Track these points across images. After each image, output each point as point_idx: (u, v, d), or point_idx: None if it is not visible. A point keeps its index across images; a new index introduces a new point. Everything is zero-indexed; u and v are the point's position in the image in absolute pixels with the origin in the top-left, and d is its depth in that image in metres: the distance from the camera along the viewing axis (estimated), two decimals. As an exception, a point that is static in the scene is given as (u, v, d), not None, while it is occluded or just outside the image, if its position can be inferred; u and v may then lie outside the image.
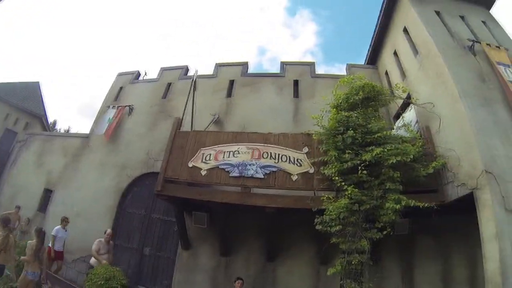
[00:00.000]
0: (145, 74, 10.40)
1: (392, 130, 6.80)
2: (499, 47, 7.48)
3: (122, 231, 8.51)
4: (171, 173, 6.59)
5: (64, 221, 7.56)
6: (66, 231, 7.58)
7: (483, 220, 5.30)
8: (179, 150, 6.68)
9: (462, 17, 8.05)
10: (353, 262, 5.46)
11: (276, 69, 10.11)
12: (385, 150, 5.50)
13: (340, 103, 6.23)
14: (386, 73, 9.23)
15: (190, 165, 6.44)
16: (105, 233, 7.05)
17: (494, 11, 8.93)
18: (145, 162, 8.56)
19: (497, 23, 8.61)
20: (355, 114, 5.86)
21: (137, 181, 8.66)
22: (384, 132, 5.75)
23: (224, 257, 7.24)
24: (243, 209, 6.17)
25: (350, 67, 9.72)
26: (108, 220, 8.52)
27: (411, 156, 5.67)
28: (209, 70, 9.96)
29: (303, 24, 65.31)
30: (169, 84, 9.91)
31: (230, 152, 6.18)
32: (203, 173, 6.25)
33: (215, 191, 6.33)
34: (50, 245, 7.20)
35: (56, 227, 7.41)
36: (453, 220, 6.67)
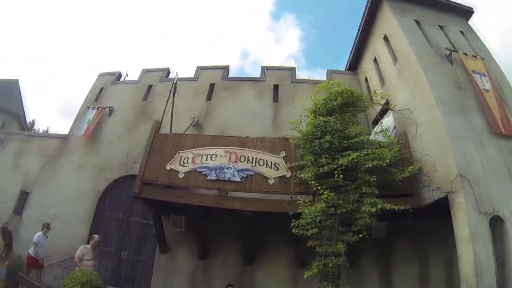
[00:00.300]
0: (127, 75, 10.29)
1: (371, 136, 6.92)
2: (475, 56, 7.72)
3: (100, 234, 8.31)
4: (149, 176, 6.55)
5: (46, 227, 7.20)
6: (47, 237, 7.21)
7: (457, 223, 5.45)
8: (158, 153, 6.64)
9: (441, 27, 8.27)
10: (329, 265, 5.50)
11: (257, 73, 10.19)
12: (362, 154, 5.59)
13: (319, 108, 6.32)
14: (366, 79, 9.40)
15: (168, 167, 6.42)
16: (92, 239, 6.71)
17: (472, 21, 9.24)
18: (125, 164, 8.44)
19: (475, 33, 8.89)
20: (333, 119, 5.95)
21: (115, 183, 8.52)
22: (361, 137, 5.84)
23: (202, 261, 7.21)
24: (220, 212, 6.17)
25: (330, 72, 9.86)
26: (86, 223, 8.35)
27: (388, 161, 5.78)
28: (191, 73, 9.97)
29: (287, 29, 66.52)
30: (150, 86, 9.85)
31: (208, 155, 6.19)
32: (181, 176, 6.23)
33: (192, 194, 6.31)
34: (30, 252, 6.85)
35: (37, 234, 7.01)
36: (430, 223, 6.83)
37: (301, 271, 6.39)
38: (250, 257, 7.01)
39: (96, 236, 6.76)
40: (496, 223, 5.48)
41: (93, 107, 9.47)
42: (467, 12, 9.17)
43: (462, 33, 8.50)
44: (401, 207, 5.49)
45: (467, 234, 5.19)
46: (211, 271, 7.19)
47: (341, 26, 57.37)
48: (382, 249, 7.19)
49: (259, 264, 7.08)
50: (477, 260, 4.92)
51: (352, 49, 9.95)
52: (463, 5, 9.11)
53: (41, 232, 7.10)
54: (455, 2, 9.03)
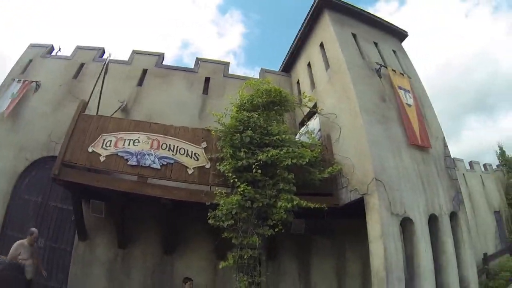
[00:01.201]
0: (59, 50, 9.59)
1: (296, 136, 7.19)
2: (403, 74, 8.41)
3: (15, 219, 7.73)
4: (70, 157, 6.30)
5: None
6: None
7: (371, 222, 5.98)
8: (81, 134, 6.42)
9: (375, 43, 8.94)
10: (245, 257, 5.63)
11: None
12: (282, 152, 5.84)
13: (244, 103, 6.47)
14: (298, 82, 9.90)
15: (90, 150, 6.25)
16: (31, 234, 5.99)
17: (405, 44, 10.06)
18: (47, 144, 8.00)
19: (406, 54, 9.74)
20: (257, 115, 6.11)
21: (36, 164, 8.04)
22: (283, 136, 6.11)
23: (122, 249, 7.15)
24: (140, 199, 6.15)
25: (264, 71, 10.21)
26: (0, 207, 7.59)
27: (307, 160, 6.10)
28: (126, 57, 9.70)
29: (231, 24, 68.17)
30: (82, 64, 9.45)
31: (130, 140, 6.13)
32: (102, 159, 6.12)
33: (112, 178, 6.21)
34: None
35: None
36: (347, 222, 7.30)
37: (220, 262, 6.46)
38: (170, 247, 7.09)
39: (34, 231, 6.08)
40: (406, 224, 6.07)
41: (19, 80, 8.68)
42: (401, 35, 10.02)
43: (394, 52, 9.24)
44: (317, 205, 5.77)
45: (379, 233, 5.73)
46: (130, 260, 7.14)
47: (283, 28, 61.53)
48: (301, 245, 7.62)
49: (179, 254, 7.21)
50: (387, 256, 5.45)
51: (288, 51, 10.38)
52: (399, 28, 9.96)
53: None
54: (392, 24, 9.84)
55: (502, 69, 51.67)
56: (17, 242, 5.89)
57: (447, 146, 8.04)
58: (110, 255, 7.09)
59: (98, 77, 7.29)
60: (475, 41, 56.70)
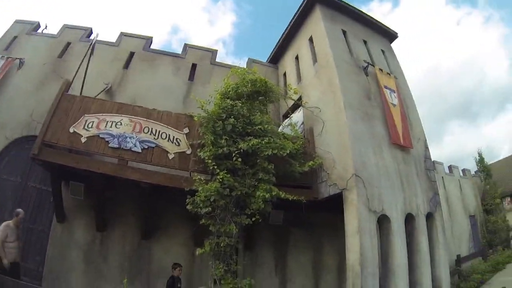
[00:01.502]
0: (46, 27, 9.40)
1: (279, 128, 7.25)
2: (389, 74, 8.52)
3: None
4: (50, 137, 6.26)
5: None
6: None
7: (348, 217, 6.10)
8: (63, 114, 6.37)
9: (365, 42, 9.04)
10: (221, 245, 5.66)
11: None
12: (263, 142, 5.89)
13: (229, 91, 6.47)
14: (285, 74, 9.95)
15: (71, 130, 6.21)
16: (17, 215, 5.86)
17: (395, 45, 10.18)
18: (28, 123, 7.86)
19: (394, 54, 9.86)
20: (240, 104, 6.11)
21: (15, 143, 7.87)
22: (266, 126, 6.17)
23: (100, 232, 7.10)
24: (120, 182, 6.17)
25: (251, 61, 10.21)
26: (-23, 186, 7.45)
27: (288, 151, 6.19)
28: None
29: (223, 13, 68.33)
30: (68, 44, 9.27)
31: (112, 122, 6.12)
32: (83, 140, 6.09)
33: (92, 160, 6.18)
34: None
35: None
36: (325, 216, 7.42)
37: (197, 249, 6.49)
38: (149, 232, 7.12)
39: (20, 211, 5.99)
40: (383, 221, 6.21)
41: (2, 56, 8.46)
42: (391, 35, 10.15)
43: (382, 51, 9.37)
44: (295, 197, 5.84)
45: (356, 228, 5.85)
46: (108, 244, 7.14)
47: (274, 21, 62.32)
48: (279, 236, 7.75)
49: (157, 240, 7.24)
50: (363, 251, 5.59)
51: (277, 43, 10.41)
52: (389, 28, 10.07)
53: None
54: (383, 24, 9.96)
55: (488, 79, 53.05)
56: (4, 224, 5.79)
57: (428, 148, 8.23)
58: (88, 237, 7.05)
59: (84, 58, 7.19)
60: (464, 49, 57.99)
